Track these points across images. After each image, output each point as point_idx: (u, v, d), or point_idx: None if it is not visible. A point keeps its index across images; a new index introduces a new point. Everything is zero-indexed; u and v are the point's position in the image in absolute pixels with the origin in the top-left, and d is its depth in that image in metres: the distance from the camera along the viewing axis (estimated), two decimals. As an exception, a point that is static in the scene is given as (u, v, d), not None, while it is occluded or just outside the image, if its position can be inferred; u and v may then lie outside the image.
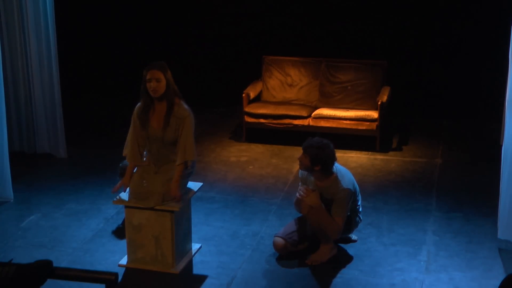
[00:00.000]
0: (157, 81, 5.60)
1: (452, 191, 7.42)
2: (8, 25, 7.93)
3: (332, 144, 5.89)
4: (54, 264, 3.88)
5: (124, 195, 5.80)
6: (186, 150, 5.67)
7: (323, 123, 8.62)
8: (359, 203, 6.13)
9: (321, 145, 5.81)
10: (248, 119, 8.85)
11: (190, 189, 5.99)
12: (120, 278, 5.69)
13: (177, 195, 5.64)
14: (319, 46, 9.56)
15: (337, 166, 5.97)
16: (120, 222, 6.57)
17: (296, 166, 7.77)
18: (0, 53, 6.87)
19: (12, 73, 8.09)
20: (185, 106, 5.75)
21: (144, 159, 5.82)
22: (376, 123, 8.48)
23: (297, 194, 5.87)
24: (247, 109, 8.84)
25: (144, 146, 5.78)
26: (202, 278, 5.76)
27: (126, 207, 5.80)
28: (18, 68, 8.09)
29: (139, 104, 5.79)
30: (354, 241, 6.33)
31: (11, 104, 8.07)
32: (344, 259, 6.05)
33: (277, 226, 6.52)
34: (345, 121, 8.57)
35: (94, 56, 10.41)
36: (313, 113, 8.71)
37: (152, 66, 5.65)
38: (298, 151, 8.45)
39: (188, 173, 5.80)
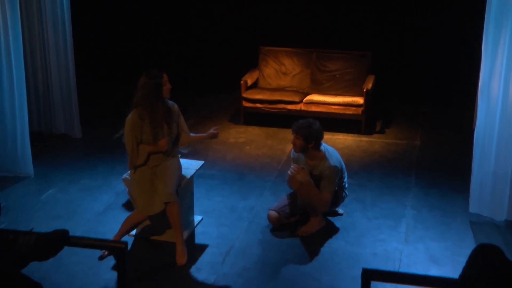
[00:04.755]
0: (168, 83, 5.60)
1: (429, 170, 7.44)
2: (28, 17, 7.92)
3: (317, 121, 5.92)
4: (70, 234, 3.91)
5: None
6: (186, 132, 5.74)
7: (313, 108, 8.63)
8: (345, 179, 6.15)
9: (309, 123, 5.83)
10: (245, 104, 8.86)
11: (190, 169, 6.03)
12: (129, 246, 5.72)
13: (163, 145, 5.52)
14: (310, 38, 9.55)
15: (325, 146, 5.98)
16: (129, 197, 6.59)
17: (288, 147, 7.79)
18: (21, 43, 6.87)
19: (31, 60, 8.08)
20: (171, 102, 5.72)
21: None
22: (362, 108, 8.49)
23: (289, 172, 5.90)
24: (245, 95, 8.84)
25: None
26: (203, 247, 5.80)
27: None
28: (37, 55, 8.08)
29: (131, 114, 5.55)
30: (341, 214, 6.36)
31: (30, 88, 8.05)
32: (331, 230, 6.08)
33: (271, 201, 6.55)
34: (333, 106, 8.58)
35: (108, 41, 10.38)
36: (305, 99, 8.72)
37: (161, 70, 5.58)
38: (291, 133, 8.50)
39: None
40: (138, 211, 5.58)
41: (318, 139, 5.84)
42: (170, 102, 5.67)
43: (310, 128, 5.79)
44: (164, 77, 5.55)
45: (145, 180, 5.55)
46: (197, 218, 6.23)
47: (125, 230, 5.62)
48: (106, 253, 5.52)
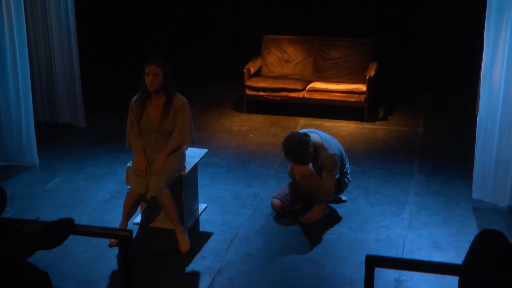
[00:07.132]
0: (155, 75, 5.45)
1: (432, 156, 7.44)
2: (32, 6, 7.90)
3: (289, 135, 5.74)
4: (76, 222, 3.91)
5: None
6: (182, 134, 5.57)
7: (316, 96, 8.62)
8: (347, 165, 6.13)
9: (291, 147, 5.62)
10: (249, 92, 8.85)
11: (193, 157, 6.03)
12: (134, 234, 5.74)
13: (160, 167, 5.50)
14: (313, 26, 9.52)
15: (322, 135, 5.91)
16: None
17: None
18: (25, 32, 6.85)
19: (35, 49, 8.06)
20: (182, 97, 5.62)
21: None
22: (364, 95, 8.47)
23: (291, 163, 5.86)
24: (248, 83, 8.83)
25: (142, 132, 5.67)
26: (208, 235, 5.81)
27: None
28: (41, 45, 8.05)
29: (136, 96, 5.67)
30: (344, 201, 6.36)
31: (34, 78, 8.04)
32: (335, 217, 6.08)
33: (275, 188, 6.55)
34: (336, 94, 8.56)
35: (111, 30, 10.35)
36: (308, 87, 8.71)
37: (151, 61, 5.51)
38: (294, 121, 8.49)
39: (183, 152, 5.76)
40: (129, 185, 5.66)
41: (305, 141, 5.64)
42: (181, 97, 5.60)
43: (299, 147, 5.59)
44: (147, 69, 5.49)
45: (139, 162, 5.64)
46: (201, 206, 6.23)
47: (126, 214, 5.60)
48: (113, 240, 5.53)
